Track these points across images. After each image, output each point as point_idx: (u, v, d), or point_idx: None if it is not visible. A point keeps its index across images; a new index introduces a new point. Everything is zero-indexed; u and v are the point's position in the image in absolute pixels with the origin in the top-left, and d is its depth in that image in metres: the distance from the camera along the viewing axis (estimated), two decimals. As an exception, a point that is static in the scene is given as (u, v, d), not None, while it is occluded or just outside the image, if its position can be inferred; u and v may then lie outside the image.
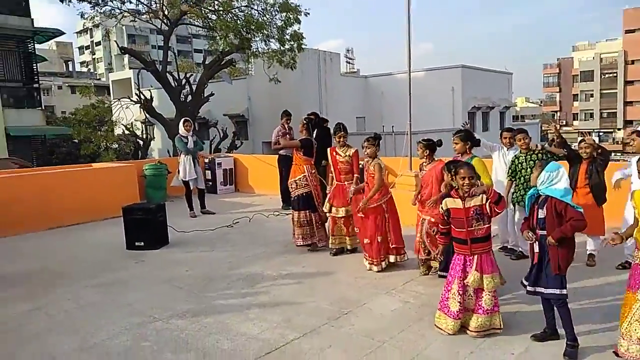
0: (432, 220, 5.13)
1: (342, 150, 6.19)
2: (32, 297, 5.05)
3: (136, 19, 19.99)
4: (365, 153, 5.71)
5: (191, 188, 9.07)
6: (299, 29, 18.07)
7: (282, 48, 18.01)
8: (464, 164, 4.08)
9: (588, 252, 5.74)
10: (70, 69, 66.01)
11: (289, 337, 4.00)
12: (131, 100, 21.28)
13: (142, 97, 19.64)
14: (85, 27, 69.32)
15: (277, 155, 9.68)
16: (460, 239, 3.96)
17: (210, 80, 20.34)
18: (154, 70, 18.85)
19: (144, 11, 20.13)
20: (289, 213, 7.15)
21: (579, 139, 5.98)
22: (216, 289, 5.22)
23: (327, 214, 6.38)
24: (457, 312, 3.95)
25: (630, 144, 5.54)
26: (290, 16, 17.60)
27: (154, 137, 27.69)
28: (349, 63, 57.52)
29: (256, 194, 11.75)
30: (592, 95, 67.57)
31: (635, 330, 3.33)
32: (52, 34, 26.58)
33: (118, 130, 27.60)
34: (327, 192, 6.50)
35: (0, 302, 4.93)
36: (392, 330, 4.10)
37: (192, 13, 18.50)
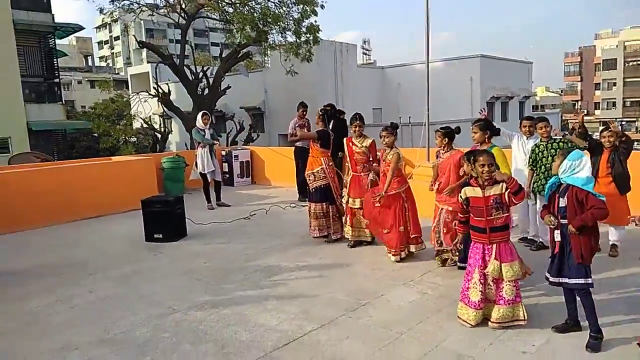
0: (450, 209, 5.08)
1: (358, 140, 6.15)
2: (54, 290, 5.13)
3: (154, 13, 20.13)
4: (384, 143, 5.66)
5: (209, 180, 9.13)
6: (315, 22, 18.01)
7: (298, 41, 17.97)
8: (483, 151, 4.02)
9: (611, 243, 5.64)
10: (90, 63, 66.86)
11: (307, 329, 4.00)
12: (149, 94, 21.51)
13: (160, 90, 19.83)
14: (104, 22, 70.14)
15: (293, 148, 9.67)
16: (479, 228, 3.90)
17: (227, 74, 20.43)
18: (172, 64, 18.99)
19: (161, 5, 20.27)
20: (306, 205, 7.15)
21: (601, 128, 5.83)
22: (234, 280, 5.24)
23: (345, 205, 6.36)
24: (478, 302, 3.89)
25: None
26: (307, 8, 17.54)
27: (172, 131, 27.95)
28: (366, 54, 57.12)
29: (272, 186, 11.78)
30: (614, 84, 66.14)
31: None
32: (72, 29, 26.99)
33: (136, 124, 27.95)
34: (344, 182, 6.48)
35: (22, 295, 5.01)
36: (410, 322, 4.07)
37: (209, 6, 18.57)
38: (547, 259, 3.92)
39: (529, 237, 6.19)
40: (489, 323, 3.90)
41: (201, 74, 19.81)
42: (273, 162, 12.08)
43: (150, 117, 25.55)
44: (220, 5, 18.49)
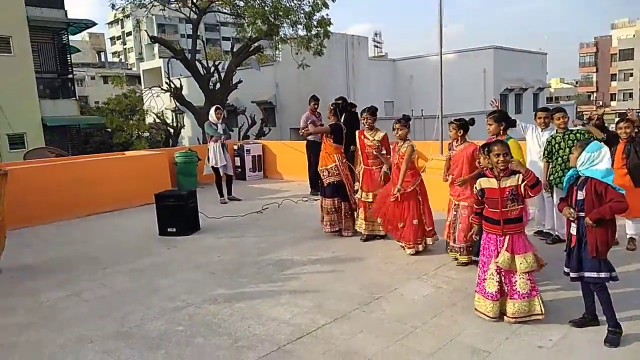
0: (466, 204, 5.02)
1: (370, 134, 6.10)
2: (69, 283, 5.17)
3: (165, 8, 20.16)
4: (397, 135, 5.60)
5: (221, 174, 9.14)
6: (327, 15, 17.92)
7: (308, 34, 17.89)
8: (497, 141, 3.95)
9: (628, 236, 5.54)
10: (103, 59, 67.39)
11: (320, 322, 3.99)
12: (161, 89, 21.59)
13: (172, 85, 19.89)
14: (116, 17, 70.51)
15: (305, 141, 9.64)
16: (493, 220, 3.85)
17: (238, 68, 20.42)
18: (183, 59, 19.02)
19: (173, 0, 20.29)
20: (318, 199, 7.13)
21: (617, 119, 5.71)
22: (247, 274, 5.25)
23: (358, 199, 6.33)
24: (494, 293, 3.83)
25: None
26: (318, 1, 17.44)
27: (184, 125, 28.06)
28: (377, 47, 56.83)
29: (284, 180, 11.77)
30: (631, 74, 65.05)
31: None
32: (85, 25, 27.17)
33: (149, 119, 28.11)
34: (357, 174, 6.44)
35: (37, 289, 5.06)
36: (425, 316, 4.04)
37: (221, 0, 18.55)
38: (563, 253, 3.85)
39: (544, 231, 6.11)
40: (505, 317, 3.85)
41: (213, 69, 19.82)
42: (285, 156, 12.06)
43: (162, 112, 25.68)
44: (231, -1, 18.49)
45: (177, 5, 20.35)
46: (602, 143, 3.64)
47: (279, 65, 26.08)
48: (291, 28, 18.12)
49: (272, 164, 12.37)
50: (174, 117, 27.71)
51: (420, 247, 5.60)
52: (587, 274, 3.54)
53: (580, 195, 3.55)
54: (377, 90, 26.04)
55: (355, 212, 6.53)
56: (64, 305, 4.59)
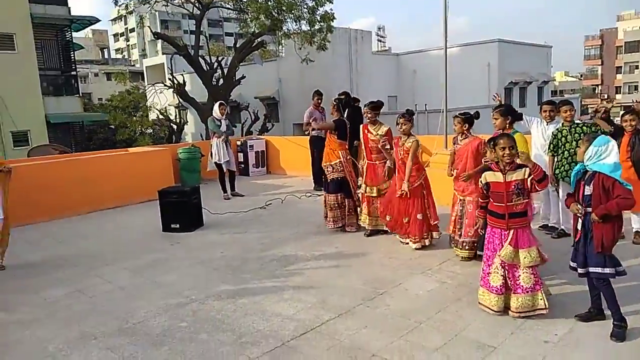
0: (470, 199, 4.98)
1: (373, 128, 6.06)
2: (72, 280, 5.17)
3: (168, 4, 20.11)
4: (401, 130, 5.57)
5: (224, 170, 9.12)
6: (331, 10, 17.84)
7: (312, 29, 17.82)
8: (503, 134, 3.91)
9: (634, 230, 5.50)
10: (106, 56, 67.43)
11: (324, 318, 3.97)
12: (165, 85, 21.58)
13: (175, 81, 19.86)
14: (119, 14, 70.47)
15: (308, 137, 9.60)
16: (498, 214, 3.81)
17: (241, 63, 20.37)
18: (187, 55, 18.99)
19: (176, -4, 20.25)
20: (321, 194, 7.10)
21: (622, 112, 5.64)
22: (250, 270, 5.23)
23: (361, 193, 6.30)
24: (499, 287, 3.81)
25: None
26: (322, -4, 17.38)
27: (187, 121, 28.07)
28: (380, 41, 56.61)
29: (288, 175, 11.75)
30: (637, 67, 64.58)
31: None
32: (89, 21, 27.17)
33: (152, 115, 28.11)
34: (360, 169, 6.41)
35: (41, 285, 5.06)
36: (429, 311, 4.02)
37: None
38: (569, 247, 3.82)
39: (550, 225, 6.06)
40: (509, 312, 3.83)
41: (216, 64, 19.78)
42: (288, 152, 12.04)
43: (165, 108, 25.67)
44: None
45: (180, 1, 20.30)
46: (609, 137, 3.59)
47: (281, 61, 26.01)
48: (294, 23, 18.05)
49: (275, 159, 12.34)
50: (177, 114, 27.70)
51: (427, 242, 5.59)
52: (591, 269, 3.51)
53: (588, 190, 3.50)
54: (380, 85, 25.94)
55: (358, 208, 6.50)
56: (67, 302, 4.59)
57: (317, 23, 17.74)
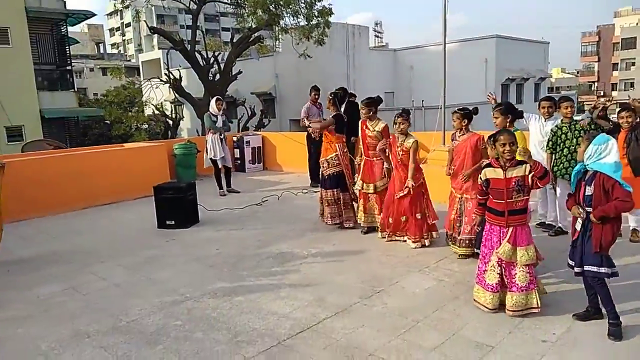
0: (468, 197, 4.95)
1: (371, 124, 6.02)
2: (66, 277, 5.12)
3: (165, -2, 19.97)
4: (399, 130, 5.52)
5: (219, 167, 9.06)
6: (329, 5, 17.78)
7: (309, 24, 17.73)
8: (503, 130, 3.87)
9: (631, 228, 5.48)
10: (102, 51, 67.08)
11: (321, 316, 3.94)
12: (160, 81, 21.45)
13: (171, 77, 19.74)
14: (115, 8, 70.06)
15: (305, 133, 9.55)
16: (497, 211, 3.78)
17: (238, 59, 20.27)
18: (183, 50, 18.87)
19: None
20: (318, 191, 7.06)
21: (618, 108, 5.62)
22: (246, 267, 5.19)
23: (358, 190, 6.26)
24: (495, 284, 3.79)
25: None
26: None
27: (183, 117, 27.94)
28: (378, 37, 56.51)
29: (284, 172, 11.70)
30: (633, 64, 64.67)
31: None
32: (84, 16, 26.96)
33: (148, 111, 27.97)
34: (356, 163, 6.37)
35: (34, 282, 5.00)
36: (427, 309, 3.98)
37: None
38: (566, 245, 3.80)
39: (547, 222, 6.04)
40: (506, 310, 3.82)
41: (212, 60, 19.67)
42: (285, 148, 11.98)
43: (161, 103, 25.54)
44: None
45: (176, -5, 20.17)
46: (609, 135, 3.55)
47: (278, 56, 25.91)
48: (292, 18, 17.96)
49: (272, 155, 12.28)
50: (173, 109, 27.58)
51: (427, 242, 5.56)
52: (587, 268, 3.48)
53: (589, 190, 3.46)
54: (377, 81, 25.88)
55: (355, 204, 6.46)
56: (61, 299, 4.53)
57: (315, 18, 17.65)
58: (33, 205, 7.85)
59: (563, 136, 5.44)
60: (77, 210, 8.34)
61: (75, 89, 27.69)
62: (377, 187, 6.04)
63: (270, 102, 27.27)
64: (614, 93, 66.52)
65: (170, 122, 24.77)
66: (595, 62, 73.09)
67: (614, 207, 3.33)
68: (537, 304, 3.76)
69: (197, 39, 19.97)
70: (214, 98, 9.23)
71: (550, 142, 5.56)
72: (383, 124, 5.99)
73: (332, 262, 5.24)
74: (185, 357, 3.43)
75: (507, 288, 3.80)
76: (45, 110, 22.74)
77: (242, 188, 9.50)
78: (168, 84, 20.26)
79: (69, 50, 26.00)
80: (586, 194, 3.49)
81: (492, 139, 3.86)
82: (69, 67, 26.13)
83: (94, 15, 27.67)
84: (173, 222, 6.85)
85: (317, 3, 17.60)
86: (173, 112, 27.08)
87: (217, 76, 19.80)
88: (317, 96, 9.22)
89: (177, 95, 21.33)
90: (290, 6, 17.29)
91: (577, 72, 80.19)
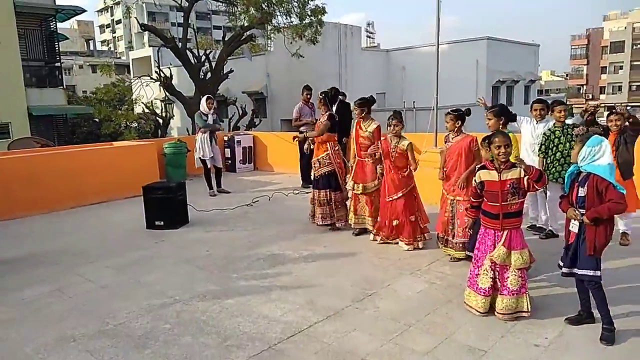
0: (460, 199, 4.93)
1: (365, 124, 5.98)
2: (53, 278, 5.02)
3: (156, -5, 19.81)
4: (393, 132, 5.49)
5: (209, 166, 8.97)
6: (322, 4, 17.74)
7: (302, 23, 17.67)
8: (498, 132, 3.85)
9: (621, 231, 5.49)
10: (91, 48, 66.47)
11: (312, 320, 3.89)
12: (151, 78, 21.28)
13: (161, 75, 19.59)
14: (105, 5, 69.47)
15: (297, 133, 9.48)
16: (492, 214, 3.76)
17: (229, 57, 20.16)
18: (174, 48, 18.73)
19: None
20: (309, 192, 7.01)
21: (606, 113, 5.64)
22: (237, 269, 5.12)
23: (350, 191, 6.23)
24: (487, 289, 3.78)
25: None
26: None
27: (173, 116, 27.77)
28: (370, 37, 56.57)
29: (275, 172, 11.63)
30: (621, 67, 65.39)
31: None
32: (74, 12, 26.63)
33: (138, 109, 27.75)
34: (350, 165, 6.34)
35: (19, 284, 4.90)
36: (419, 313, 3.95)
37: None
38: (557, 248, 3.79)
39: (538, 225, 6.04)
40: (496, 313, 3.81)
41: (204, 58, 19.55)
42: (276, 148, 11.91)
43: (152, 102, 25.34)
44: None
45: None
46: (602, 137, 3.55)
47: (270, 55, 25.79)
48: (285, 17, 17.89)
49: (263, 155, 12.21)
50: (163, 107, 27.39)
51: (421, 244, 5.55)
52: (582, 272, 3.47)
53: (582, 192, 3.45)
54: (369, 81, 25.84)
55: (346, 202, 6.43)
56: (46, 302, 4.44)
57: (308, 17, 17.60)
58: (20, 204, 7.72)
59: (556, 140, 5.44)
60: (66, 209, 8.21)
61: (64, 86, 27.36)
62: (367, 188, 6.00)
63: (261, 102, 27.15)
64: (602, 96, 67.25)
65: (161, 120, 24.60)
66: (585, 65, 73.74)
67: (607, 208, 3.32)
68: (528, 308, 3.76)
69: (188, 37, 19.84)
70: (205, 97, 9.14)
71: (543, 146, 5.56)
72: (375, 125, 5.95)
73: (324, 264, 5.19)
74: (174, 361, 3.37)
75: (498, 291, 3.79)
76: (33, 107, 22.43)
77: (232, 188, 9.42)
78: (158, 82, 20.10)
79: (58, 47, 25.65)
80: (579, 195, 3.48)
81: (486, 141, 3.83)
82: (58, 64, 25.79)
83: (84, 11, 27.34)
84: (162, 223, 6.76)
85: (309, 2, 17.55)
86: (163, 110, 26.89)
87: (208, 75, 19.68)
88: (309, 96, 9.17)
89: (167, 93, 21.19)
90: (283, 5, 17.22)
91: (567, 75, 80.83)
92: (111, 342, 3.64)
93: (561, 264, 3.67)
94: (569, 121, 5.64)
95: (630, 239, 5.44)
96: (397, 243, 5.63)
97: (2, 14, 20.96)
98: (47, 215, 7.92)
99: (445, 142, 5.23)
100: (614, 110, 5.48)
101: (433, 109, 7.55)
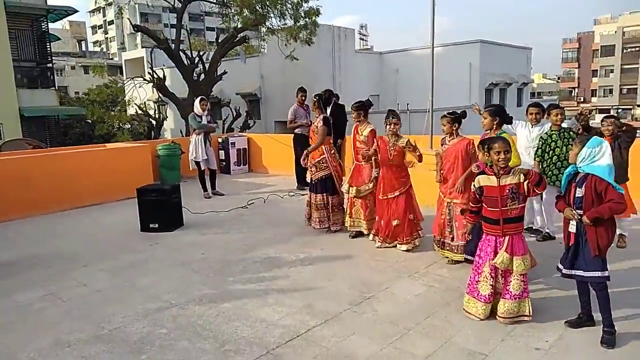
0: (457, 201, 4.92)
1: (361, 128, 5.96)
2: (46, 282, 4.94)
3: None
4: (393, 130, 5.48)
5: (202, 168, 8.91)
6: (316, 7, 17.71)
7: (296, 24, 17.63)
8: (498, 138, 3.83)
9: (618, 233, 5.49)
10: (84, 48, 66.06)
11: (310, 324, 3.85)
12: (144, 80, 21.14)
13: (154, 76, 19.47)
14: (97, 5, 69.10)
15: (292, 135, 9.46)
16: (492, 219, 3.73)
17: (223, 59, 20.08)
18: (167, 49, 18.61)
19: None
20: (305, 193, 6.97)
21: (602, 116, 5.66)
22: (233, 272, 5.07)
23: (346, 195, 6.21)
24: (488, 295, 3.76)
25: None
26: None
27: (167, 117, 27.60)
28: (363, 40, 56.69)
29: (270, 174, 11.58)
30: (612, 71, 65.93)
31: None
32: (66, 12, 26.39)
33: (131, 110, 27.58)
34: (345, 168, 6.32)
35: (11, 288, 4.82)
36: (418, 316, 3.93)
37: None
38: (554, 250, 3.78)
39: (534, 228, 6.04)
40: (497, 317, 3.78)
41: (197, 59, 19.45)
42: (271, 150, 11.86)
43: (145, 103, 25.19)
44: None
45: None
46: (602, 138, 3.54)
47: (264, 57, 25.74)
48: (279, 19, 17.84)
49: (258, 157, 12.16)
50: (157, 109, 27.22)
51: (417, 242, 5.56)
52: (590, 274, 3.44)
53: (579, 192, 3.44)
54: (363, 83, 25.87)
55: (342, 205, 6.41)
56: (40, 306, 4.37)
57: (302, 19, 17.56)
58: (12, 206, 7.63)
59: (553, 143, 5.44)
60: (58, 212, 8.12)
61: (56, 87, 27.11)
62: (361, 191, 5.97)
63: (255, 103, 27.07)
64: (594, 99, 67.78)
65: (154, 122, 24.44)
66: (576, 68, 74.29)
67: (608, 208, 3.32)
68: (529, 312, 3.75)
69: (181, 38, 19.72)
70: (198, 98, 9.08)
71: (540, 150, 5.55)
72: (370, 128, 5.92)
73: (321, 267, 5.15)
74: (171, 367, 3.32)
75: (501, 295, 3.77)
76: (24, 108, 22.20)
77: (227, 190, 9.36)
78: (152, 84, 19.98)
79: (50, 47, 25.44)
80: (576, 196, 3.47)
81: (484, 144, 3.82)
82: (49, 65, 25.56)
83: (76, 11, 27.11)
84: (157, 225, 6.70)
85: (303, 4, 17.52)
86: (156, 112, 26.73)
87: (202, 76, 19.59)
88: (303, 97, 9.14)
89: (160, 94, 21.05)
90: (277, 6, 17.18)
91: (558, 78, 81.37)
92: (107, 348, 3.58)
93: (560, 266, 3.66)
94: (564, 125, 5.64)
95: (627, 241, 5.45)
96: (396, 246, 5.60)
97: (-8, 14, 20.75)
98: (39, 217, 7.83)
99: (442, 145, 5.22)
100: (608, 115, 5.49)
101: (428, 111, 7.54)
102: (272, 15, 17.65)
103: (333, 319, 3.93)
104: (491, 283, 3.75)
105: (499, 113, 4.98)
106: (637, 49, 62.42)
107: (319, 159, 6.27)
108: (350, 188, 6.05)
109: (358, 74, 26.22)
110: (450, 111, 5.13)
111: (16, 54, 22.67)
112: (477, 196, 3.83)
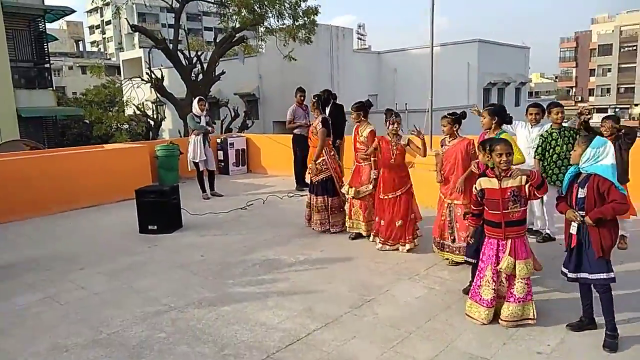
0: (458, 202, 4.90)
1: (361, 129, 5.94)
2: (44, 285, 4.91)
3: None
4: (395, 128, 5.47)
5: (201, 169, 8.87)
6: (315, 4, 17.70)
7: (295, 24, 17.60)
8: (500, 140, 3.81)
9: (619, 234, 5.47)
10: (81, 49, 65.89)
11: (311, 327, 3.82)
12: (142, 80, 21.09)
13: (152, 76, 19.43)
14: (95, 5, 68.88)
15: (291, 135, 9.43)
16: (494, 222, 3.70)
17: (221, 59, 20.03)
18: (165, 49, 18.55)
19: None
20: (304, 194, 6.94)
21: (601, 117, 5.64)
22: (232, 275, 5.04)
23: (346, 196, 6.18)
24: (490, 300, 3.73)
25: None
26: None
27: (165, 117, 27.55)
28: (361, 39, 56.65)
29: (269, 175, 11.55)
30: (609, 70, 65.98)
31: None
32: (63, 12, 26.30)
33: (129, 111, 27.51)
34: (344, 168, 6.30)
35: (8, 291, 4.78)
36: (419, 319, 3.90)
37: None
38: (554, 251, 3.75)
39: (534, 229, 6.02)
40: (500, 321, 3.75)
41: (195, 59, 19.40)
42: (269, 150, 11.82)
43: (143, 103, 25.12)
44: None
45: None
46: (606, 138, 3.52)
47: (262, 57, 25.69)
48: (277, 19, 17.81)
49: (257, 158, 12.12)
50: (155, 109, 27.17)
51: (417, 242, 5.55)
52: (595, 276, 3.41)
53: (582, 193, 3.41)
54: (361, 83, 25.83)
55: (343, 206, 6.38)
56: (38, 310, 4.33)
57: (300, 18, 17.54)
58: (9, 208, 7.58)
59: (553, 142, 5.41)
60: (55, 213, 8.07)
61: (54, 88, 27.01)
62: (360, 192, 5.94)
63: (253, 103, 27.02)
64: (591, 98, 67.82)
65: (152, 122, 24.39)
66: (574, 67, 74.32)
67: (611, 208, 3.29)
68: (533, 315, 3.72)
69: (179, 38, 19.67)
70: (197, 98, 9.04)
71: (540, 148, 5.53)
72: (369, 129, 5.90)
73: (321, 270, 5.12)
74: (170, 372, 3.29)
75: (504, 299, 3.74)
76: (22, 109, 22.12)
77: (225, 191, 9.33)
78: (149, 84, 19.92)
79: (47, 47, 25.35)
80: (579, 196, 3.44)
81: (486, 146, 3.78)
82: (47, 65, 25.46)
83: (73, 12, 27.00)
84: (155, 227, 6.66)
85: (302, 3, 17.50)
86: (155, 112, 26.68)
87: (200, 76, 19.55)
88: (302, 98, 9.11)
89: (158, 95, 21.01)
90: (276, 6, 17.14)
91: (556, 77, 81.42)
92: (105, 352, 3.55)
93: (565, 270, 3.62)
94: (564, 124, 5.62)
95: (628, 242, 5.43)
96: (398, 249, 5.56)
97: (-11, 14, 20.67)
98: (37, 219, 7.78)
99: (442, 146, 5.19)
100: (607, 116, 5.47)
101: (428, 111, 7.51)
102: (270, 15, 17.61)
103: (333, 323, 3.90)
104: (493, 287, 3.73)
105: (498, 112, 4.95)
106: (635, 48, 62.40)
107: (318, 161, 6.24)
108: (350, 189, 6.02)
109: (356, 74, 26.18)
110: (451, 112, 5.11)
111: (13, 55, 22.59)
112: (479, 199, 3.80)
